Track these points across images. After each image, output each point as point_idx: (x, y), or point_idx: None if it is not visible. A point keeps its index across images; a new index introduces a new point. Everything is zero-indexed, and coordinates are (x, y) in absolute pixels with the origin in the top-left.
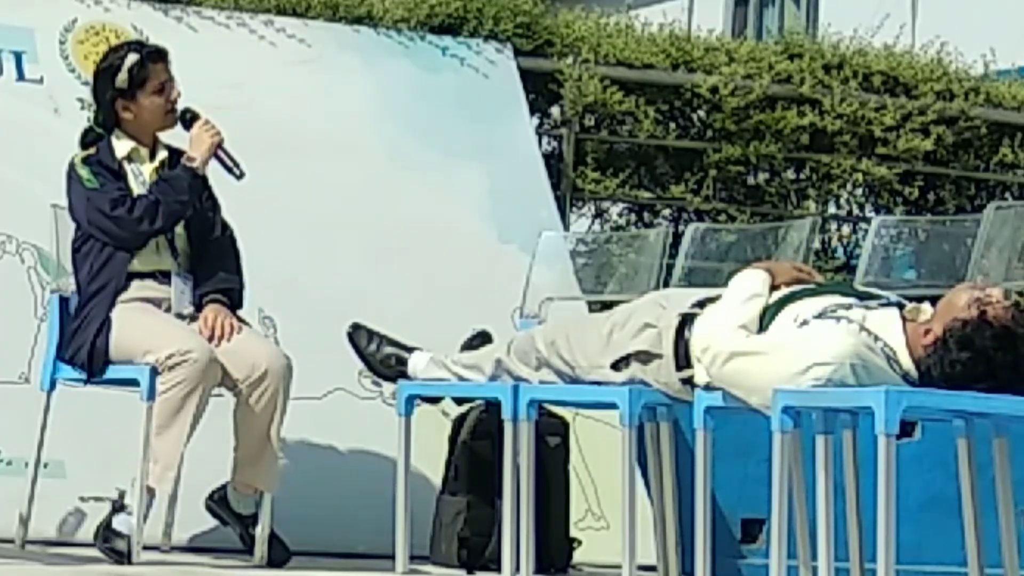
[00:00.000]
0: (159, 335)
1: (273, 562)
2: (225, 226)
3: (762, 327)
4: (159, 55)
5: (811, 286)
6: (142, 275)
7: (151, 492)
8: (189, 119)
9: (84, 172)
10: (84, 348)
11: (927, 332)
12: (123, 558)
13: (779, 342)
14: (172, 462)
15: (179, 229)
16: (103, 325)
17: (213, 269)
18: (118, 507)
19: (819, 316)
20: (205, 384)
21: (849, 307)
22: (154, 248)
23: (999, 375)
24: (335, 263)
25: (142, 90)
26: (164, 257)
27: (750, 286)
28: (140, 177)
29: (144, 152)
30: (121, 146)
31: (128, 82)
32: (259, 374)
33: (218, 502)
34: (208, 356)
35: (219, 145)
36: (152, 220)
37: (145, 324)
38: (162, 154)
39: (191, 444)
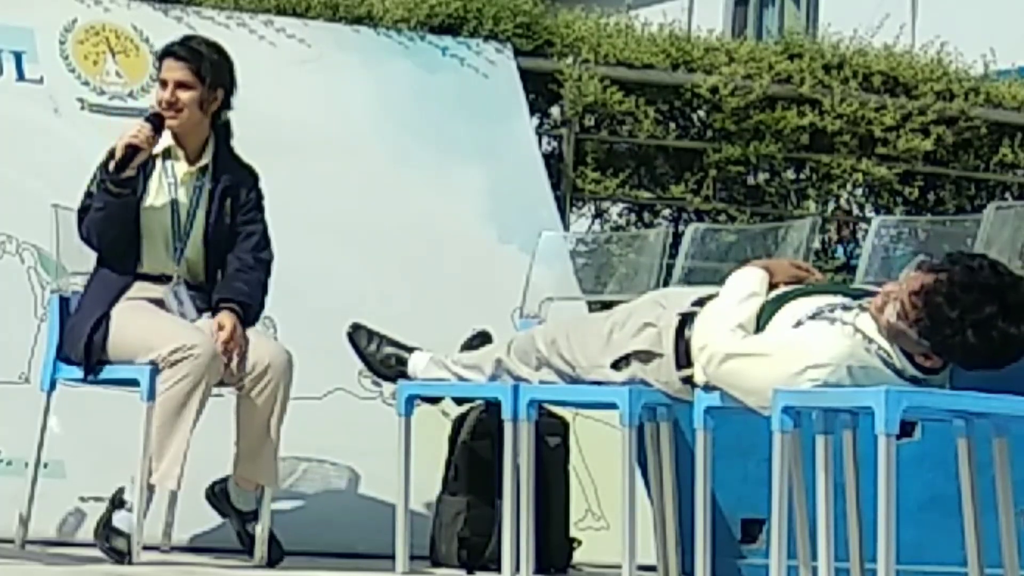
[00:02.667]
0: (160, 332)
1: (269, 561)
2: (262, 247)
3: (759, 326)
4: (168, 52)
5: (807, 285)
6: (150, 277)
7: (151, 489)
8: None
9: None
10: (81, 342)
11: (904, 315)
12: (123, 557)
13: (775, 343)
14: (178, 458)
15: (195, 238)
16: (100, 320)
17: (235, 281)
18: (117, 502)
19: (813, 316)
20: (208, 379)
21: (844, 307)
22: (163, 250)
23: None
24: (335, 263)
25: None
26: (171, 262)
27: (747, 284)
28: (169, 177)
29: (180, 152)
30: (166, 138)
31: (157, 70)
32: (261, 369)
33: (218, 494)
34: (211, 351)
35: (131, 146)
36: (83, 231)
37: (146, 322)
38: (205, 159)
39: (191, 442)
